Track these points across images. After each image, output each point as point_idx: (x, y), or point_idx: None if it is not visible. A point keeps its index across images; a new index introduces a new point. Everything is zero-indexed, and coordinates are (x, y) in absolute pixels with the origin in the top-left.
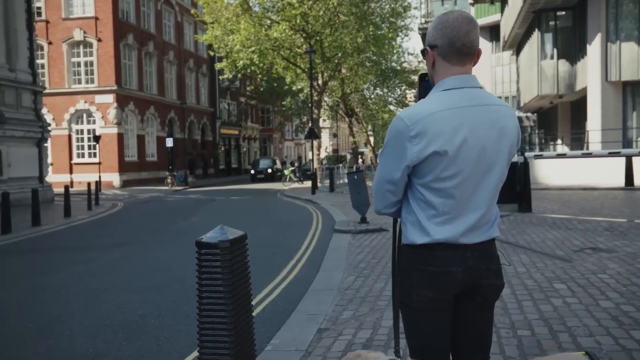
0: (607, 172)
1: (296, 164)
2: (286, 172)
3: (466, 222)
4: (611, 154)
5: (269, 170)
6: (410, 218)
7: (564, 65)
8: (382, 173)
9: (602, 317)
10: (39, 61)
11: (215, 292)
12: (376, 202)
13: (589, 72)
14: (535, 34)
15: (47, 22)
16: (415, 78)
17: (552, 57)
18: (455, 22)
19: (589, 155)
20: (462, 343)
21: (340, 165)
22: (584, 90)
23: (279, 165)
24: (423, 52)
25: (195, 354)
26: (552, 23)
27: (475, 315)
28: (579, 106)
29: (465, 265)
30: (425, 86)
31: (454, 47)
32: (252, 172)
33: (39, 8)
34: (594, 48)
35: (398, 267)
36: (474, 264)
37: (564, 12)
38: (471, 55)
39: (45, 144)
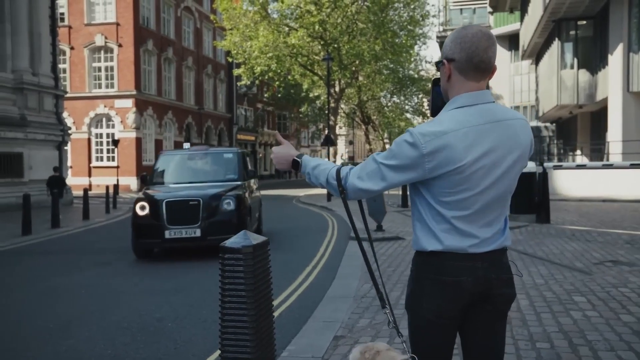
0: (628, 184)
1: None
2: None
3: (476, 233)
4: (633, 166)
5: (232, 205)
6: (419, 225)
7: (584, 75)
8: (384, 173)
9: (623, 332)
10: (61, 66)
11: (238, 296)
12: (361, 182)
13: (610, 83)
14: (556, 43)
15: (70, 27)
16: None
17: (572, 67)
18: (474, 38)
19: (610, 166)
20: (474, 354)
21: None
22: (605, 100)
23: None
24: (438, 63)
25: (213, 358)
26: (572, 32)
27: (486, 324)
28: (599, 117)
29: (475, 275)
30: (437, 91)
31: (472, 62)
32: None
33: (62, 14)
34: (615, 58)
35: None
36: (484, 274)
37: (585, 22)
38: (487, 71)
39: (65, 148)
